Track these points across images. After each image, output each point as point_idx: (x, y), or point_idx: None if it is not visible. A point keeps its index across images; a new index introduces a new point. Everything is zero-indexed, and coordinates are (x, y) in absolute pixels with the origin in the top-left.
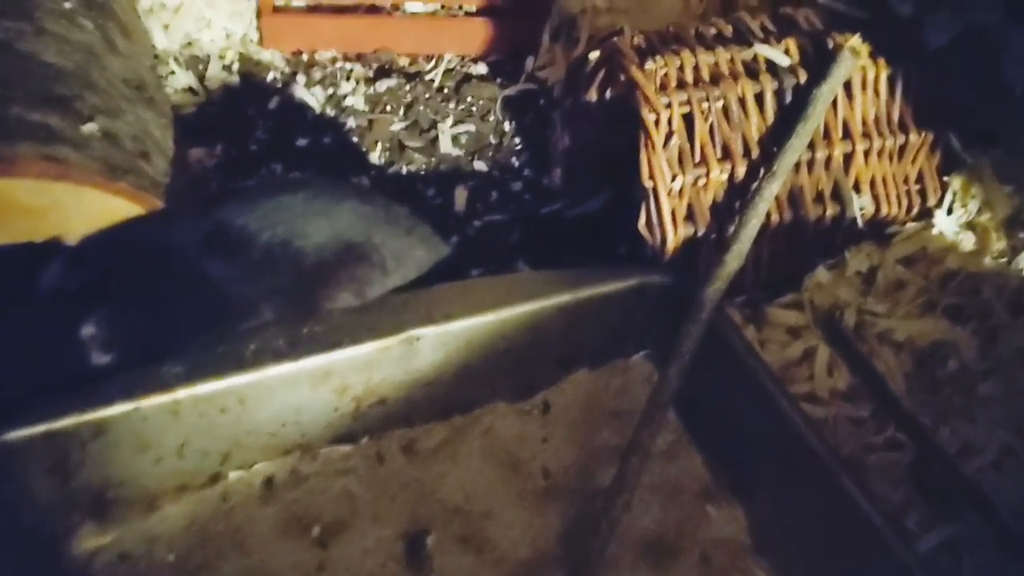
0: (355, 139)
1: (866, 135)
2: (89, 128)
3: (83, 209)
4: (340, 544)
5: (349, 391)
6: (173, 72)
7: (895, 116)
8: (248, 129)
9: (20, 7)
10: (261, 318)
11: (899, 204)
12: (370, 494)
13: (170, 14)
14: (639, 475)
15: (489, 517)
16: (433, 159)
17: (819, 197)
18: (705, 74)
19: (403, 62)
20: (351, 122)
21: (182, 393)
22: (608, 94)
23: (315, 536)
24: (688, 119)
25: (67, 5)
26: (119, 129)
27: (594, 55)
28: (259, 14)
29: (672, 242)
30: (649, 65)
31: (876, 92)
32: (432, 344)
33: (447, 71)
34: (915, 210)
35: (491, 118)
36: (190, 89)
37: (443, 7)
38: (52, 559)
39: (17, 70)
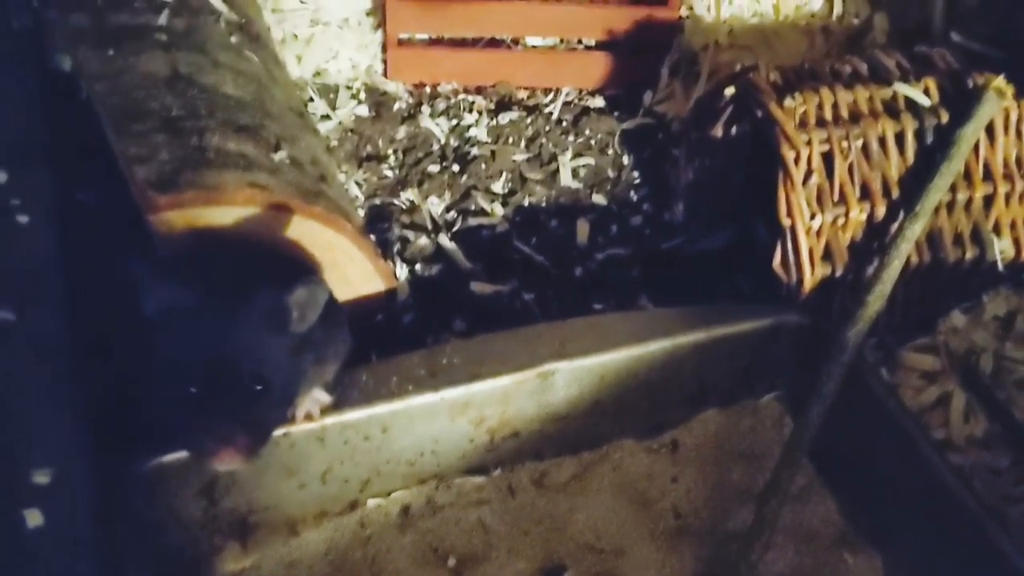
0: (481, 167)
1: (1007, 177)
2: (280, 155)
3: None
4: None
5: (485, 423)
6: (312, 99)
7: None
8: (382, 156)
9: (191, 40)
10: None
11: None
12: (504, 527)
13: (302, 45)
14: (778, 518)
15: (622, 555)
16: (553, 191)
17: (958, 240)
18: (844, 112)
19: (522, 95)
20: (475, 151)
21: (329, 420)
22: (735, 130)
23: (451, 567)
24: (827, 157)
25: (233, 39)
26: (298, 155)
27: (729, 91)
28: (385, 47)
29: (809, 282)
30: (788, 102)
31: (1019, 134)
32: (566, 379)
33: (565, 104)
34: None
35: (609, 151)
36: (327, 116)
37: (562, 41)
38: None
39: (205, 102)
